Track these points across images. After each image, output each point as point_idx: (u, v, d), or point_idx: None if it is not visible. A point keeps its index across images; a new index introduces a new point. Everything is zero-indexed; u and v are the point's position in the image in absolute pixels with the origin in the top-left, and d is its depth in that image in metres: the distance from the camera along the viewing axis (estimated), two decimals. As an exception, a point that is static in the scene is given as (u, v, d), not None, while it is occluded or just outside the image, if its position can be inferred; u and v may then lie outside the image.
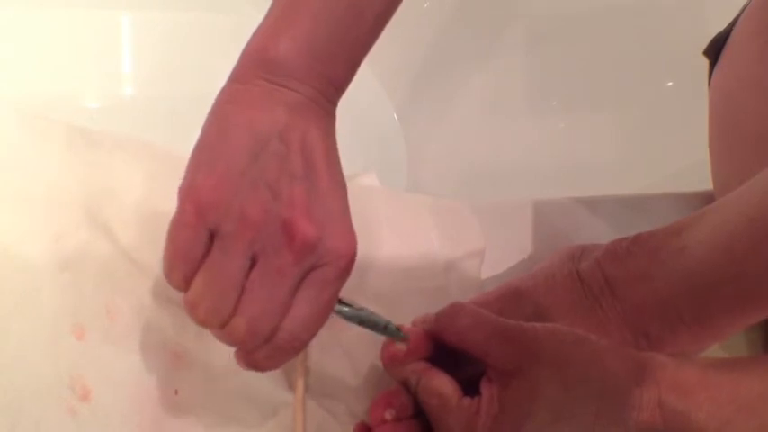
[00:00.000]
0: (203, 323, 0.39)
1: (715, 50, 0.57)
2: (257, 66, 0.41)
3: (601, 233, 0.51)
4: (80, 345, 0.46)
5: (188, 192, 0.39)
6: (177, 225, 0.40)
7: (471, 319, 0.42)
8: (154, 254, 0.49)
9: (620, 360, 0.41)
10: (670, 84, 0.84)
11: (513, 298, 0.49)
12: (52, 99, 0.79)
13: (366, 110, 0.81)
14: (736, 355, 0.53)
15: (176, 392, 0.46)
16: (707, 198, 0.57)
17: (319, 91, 0.41)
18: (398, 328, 0.44)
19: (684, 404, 0.40)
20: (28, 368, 0.44)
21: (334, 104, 0.43)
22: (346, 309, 0.43)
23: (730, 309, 0.45)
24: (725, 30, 0.57)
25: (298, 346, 0.40)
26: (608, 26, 0.84)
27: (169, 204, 0.50)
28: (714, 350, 0.49)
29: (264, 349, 0.40)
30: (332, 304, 0.41)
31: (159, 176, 0.51)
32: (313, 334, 0.41)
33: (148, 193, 0.50)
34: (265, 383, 0.47)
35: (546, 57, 0.86)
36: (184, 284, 0.40)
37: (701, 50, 0.59)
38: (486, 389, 0.41)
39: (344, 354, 0.48)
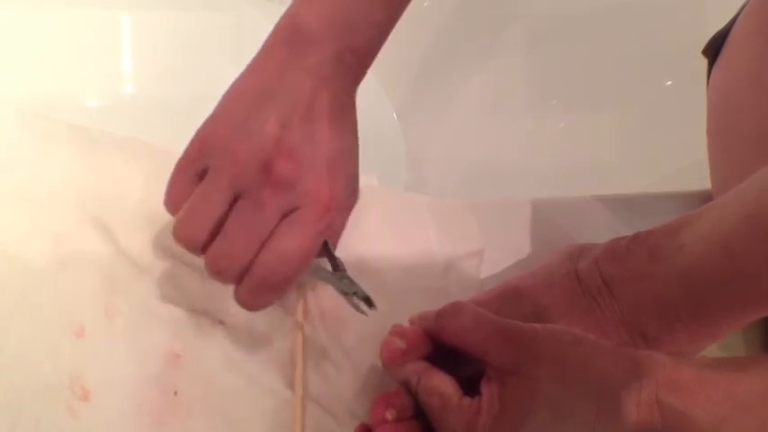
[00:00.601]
0: (183, 245, 0.44)
1: (714, 49, 0.57)
2: (282, 35, 0.47)
3: (600, 232, 0.51)
4: (80, 345, 0.46)
5: (194, 136, 0.45)
6: (178, 162, 0.45)
7: (471, 318, 0.43)
8: (153, 254, 0.49)
9: (619, 359, 0.41)
10: (669, 83, 0.84)
11: (512, 297, 0.49)
12: (52, 98, 0.79)
13: (365, 109, 0.81)
14: (735, 354, 0.53)
15: (175, 393, 0.46)
16: (706, 197, 0.57)
17: (337, 56, 0.46)
18: (368, 299, 0.45)
19: (682, 402, 0.40)
20: (28, 368, 0.45)
21: (355, 70, 0.48)
22: (323, 271, 0.46)
23: (728, 307, 0.45)
24: (724, 29, 0.57)
25: (275, 281, 0.44)
26: (607, 26, 0.84)
27: (168, 205, 0.50)
28: (712, 350, 0.49)
29: (246, 283, 0.44)
30: (310, 246, 0.45)
31: (159, 177, 0.51)
32: (290, 272, 0.44)
33: (148, 193, 0.50)
34: (265, 383, 0.48)
35: (546, 56, 0.86)
36: (175, 212, 0.45)
37: (700, 50, 0.59)
38: (486, 388, 0.41)
39: (344, 354, 0.49)
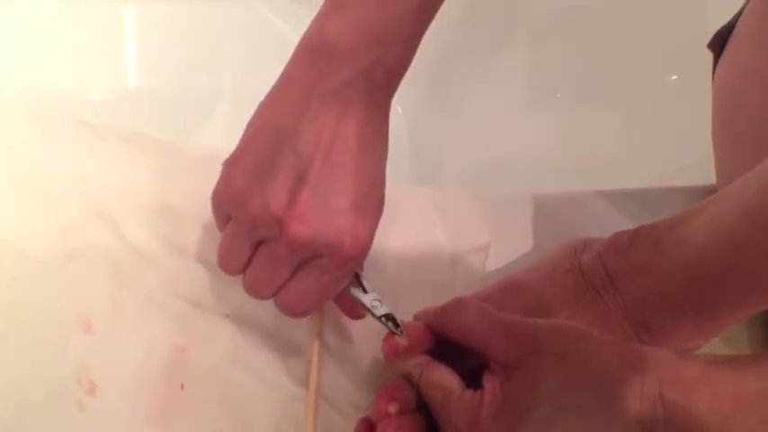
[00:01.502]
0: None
1: (719, 44, 0.57)
2: (304, 56, 0.43)
3: (604, 227, 0.51)
4: (87, 338, 0.46)
5: (220, 176, 0.44)
6: (212, 202, 0.45)
7: (474, 313, 0.43)
8: (160, 247, 0.49)
9: (621, 353, 0.42)
10: (674, 77, 0.83)
11: (515, 291, 0.49)
12: (58, 92, 0.79)
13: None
14: (738, 349, 0.53)
15: (182, 386, 0.47)
16: (710, 192, 0.56)
17: (366, 74, 0.42)
18: (398, 324, 0.45)
19: (686, 398, 0.40)
20: (36, 361, 0.45)
21: (386, 88, 0.44)
22: (354, 291, 0.46)
23: (731, 299, 0.45)
24: (729, 23, 0.57)
25: (295, 313, 0.45)
26: (613, 20, 0.84)
27: (174, 198, 0.50)
28: (715, 343, 0.49)
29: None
30: (334, 286, 0.45)
31: (165, 171, 0.51)
32: (310, 307, 0.45)
33: (154, 187, 0.51)
34: (271, 376, 0.48)
35: (551, 51, 0.85)
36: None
37: (706, 44, 0.59)
38: (488, 382, 0.41)
39: (352, 350, 0.49)
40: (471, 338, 0.42)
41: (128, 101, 0.83)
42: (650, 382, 0.40)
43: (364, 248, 0.44)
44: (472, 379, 0.42)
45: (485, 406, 0.40)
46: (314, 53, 0.43)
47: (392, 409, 0.43)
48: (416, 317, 0.45)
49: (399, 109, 0.83)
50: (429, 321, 0.44)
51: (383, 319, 0.45)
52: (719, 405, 0.40)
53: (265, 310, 0.48)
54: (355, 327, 0.49)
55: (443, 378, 0.42)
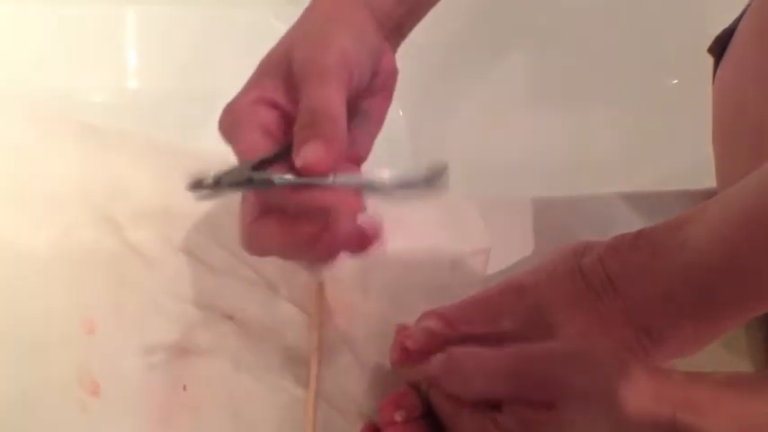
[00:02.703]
0: None
1: (720, 48, 0.57)
2: None
3: (605, 230, 0.52)
4: (89, 339, 0.46)
5: None
6: None
7: (473, 365, 0.42)
8: (162, 249, 0.49)
9: (635, 377, 0.42)
10: (675, 81, 0.84)
11: (515, 293, 0.49)
12: (59, 94, 0.79)
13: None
14: (737, 353, 0.53)
15: (184, 388, 0.47)
16: (711, 195, 0.56)
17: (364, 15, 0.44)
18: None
19: (698, 421, 0.40)
20: (39, 362, 0.45)
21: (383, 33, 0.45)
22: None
23: (732, 302, 0.45)
24: (729, 27, 0.57)
25: None
26: (613, 24, 0.84)
27: (176, 199, 0.50)
28: (715, 349, 0.49)
29: None
30: None
31: (167, 173, 0.51)
32: None
33: (156, 188, 0.51)
34: (274, 379, 0.48)
35: (551, 54, 0.86)
36: None
37: (706, 48, 0.59)
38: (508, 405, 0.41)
39: (352, 352, 0.49)
40: (473, 392, 0.42)
41: (128, 102, 0.83)
42: (665, 408, 0.40)
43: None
44: None
45: (501, 428, 0.40)
46: None
47: (398, 417, 0.43)
48: (423, 316, 0.45)
49: (400, 111, 0.83)
50: (425, 373, 0.43)
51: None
52: (730, 427, 0.40)
53: (267, 312, 0.48)
54: (356, 327, 0.49)
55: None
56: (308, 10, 0.45)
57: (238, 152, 0.41)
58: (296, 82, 0.41)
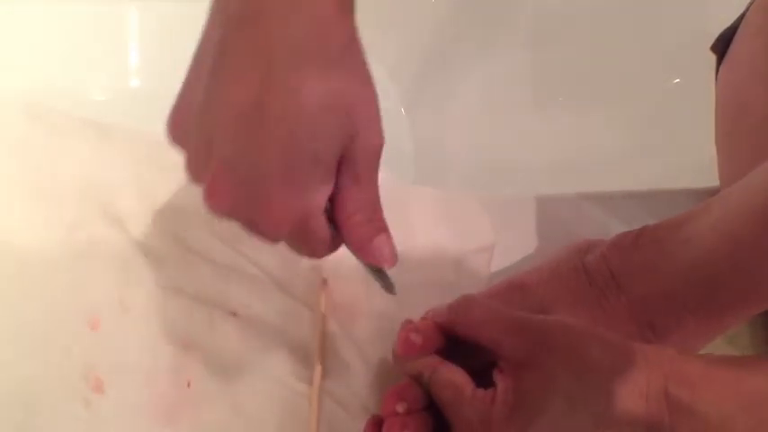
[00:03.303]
0: None
1: (722, 46, 0.58)
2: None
3: (607, 228, 0.52)
4: (94, 335, 0.46)
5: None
6: None
7: (483, 311, 0.43)
8: (166, 245, 0.49)
9: (628, 351, 0.42)
10: (677, 80, 0.84)
11: (519, 291, 0.49)
12: (59, 91, 0.79)
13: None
14: (741, 349, 0.53)
15: (189, 384, 0.47)
16: (714, 194, 0.57)
17: None
18: (390, 282, 0.43)
19: (689, 396, 0.40)
20: (43, 359, 0.45)
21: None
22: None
23: (735, 298, 0.45)
24: (732, 25, 0.57)
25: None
26: (615, 22, 0.84)
27: (179, 196, 0.50)
28: (719, 344, 0.49)
29: None
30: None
31: (170, 169, 0.51)
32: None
33: (160, 185, 0.51)
34: (278, 375, 0.48)
35: (554, 53, 0.85)
36: None
37: (708, 47, 0.59)
38: (500, 380, 0.41)
39: (356, 348, 0.49)
40: (481, 336, 0.43)
41: (130, 100, 0.83)
42: (656, 379, 0.41)
43: (286, 224, 0.37)
44: (479, 378, 0.43)
45: (497, 404, 0.40)
46: None
47: (400, 408, 0.43)
48: (426, 316, 0.46)
49: (402, 110, 0.83)
50: (438, 320, 0.45)
51: (376, 273, 0.42)
52: (723, 405, 0.40)
53: (271, 308, 0.48)
54: (360, 324, 0.50)
55: (454, 376, 0.42)
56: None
57: (309, 249, 0.40)
58: (343, 165, 0.37)
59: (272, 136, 0.34)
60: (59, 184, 0.50)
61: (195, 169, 0.37)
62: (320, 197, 0.37)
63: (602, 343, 0.42)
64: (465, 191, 0.58)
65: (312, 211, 0.37)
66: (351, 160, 0.37)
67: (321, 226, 0.38)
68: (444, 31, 0.86)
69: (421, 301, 0.47)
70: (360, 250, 0.40)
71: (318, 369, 0.47)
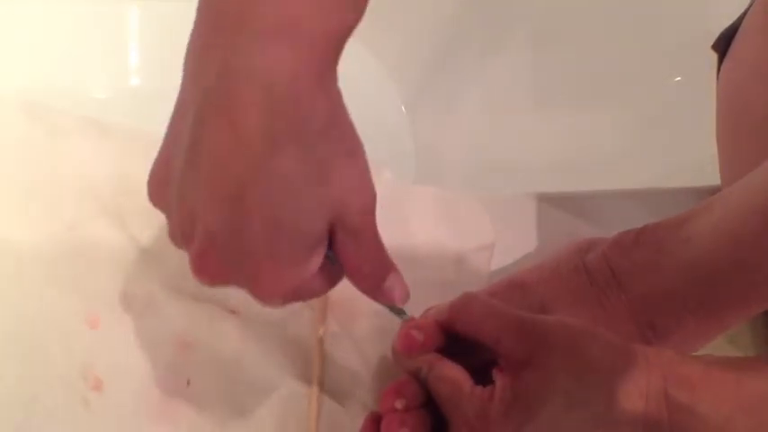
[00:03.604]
0: None
1: (724, 45, 0.57)
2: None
3: (608, 227, 0.52)
4: (93, 334, 0.46)
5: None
6: None
7: (484, 309, 0.43)
8: (166, 244, 0.49)
9: (628, 352, 0.42)
10: (678, 78, 0.84)
11: (518, 289, 0.49)
12: (59, 90, 0.79)
13: (373, 101, 0.81)
14: (742, 350, 0.53)
15: (188, 383, 0.47)
16: (715, 192, 0.57)
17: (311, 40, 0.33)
18: (404, 311, 0.44)
19: (689, 398, 0.40)
20: (42, 357, 0.45)
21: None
22: None
23: (736, 297, 0.45)
24: (733, 24, 0.57)
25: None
26: (616, 21, 0.84)
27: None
28: (720, 345, 0.49)
29: None
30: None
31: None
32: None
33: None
34: (277, 374, 0.48)
35: (554, 51, 0.85)
36: None
37: (710, 45, 0.59)
38: (499, 377, 0.41)
39: (356, 346, 0.49)
40: (482, 333, 0.42)
41: (131, 99, 0.83)
42: (655, 380, 0.40)
43: (279, 295, 0.37)
44: (478, 376, 0.43)
45: (495, 401, 0.40)
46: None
47: (399, 404, 0.43)
48: (426, 314, 0.46)
49: (403, 108, 0.83)
50: (438, 317, 0.45)
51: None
52: (721, 405, 0.40)
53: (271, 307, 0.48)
54: (359, 323, 0.49)
55: (453, 373, 0.42)
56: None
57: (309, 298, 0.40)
58: (337, 226, 0.37)
59: (256, 216, 0.34)
60: (59, 182, 0.50)
61: (178, 238, 0.38)
62: (311, 266, 0.37)
63: (603, 343, 0.42)
64: (465, 190, 0.58)
65: (304, 279, 0.37)
66: (345, 222, 0.37)
67: (317, 284, 0.39)
68: (445, 30, 0.86)
69: (421, 300, 0.47)
70: (371, 295, 0.41)
71: (318, 368, 0.47)
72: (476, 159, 0.82)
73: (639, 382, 0.41)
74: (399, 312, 0.44)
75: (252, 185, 0.33)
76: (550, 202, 0.58)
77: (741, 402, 0.40)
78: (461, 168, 0.82)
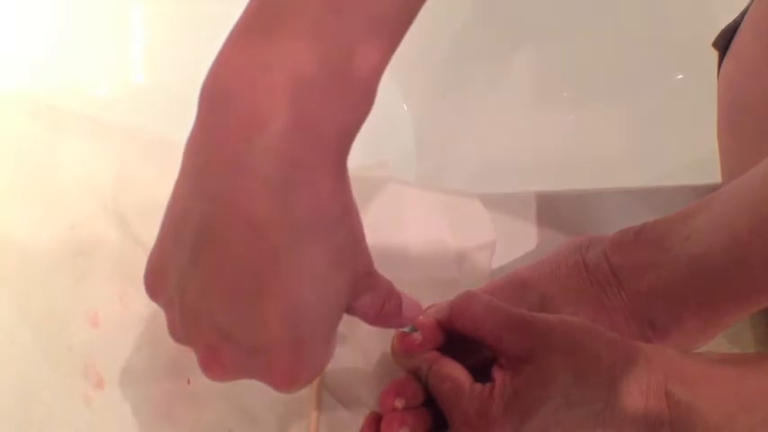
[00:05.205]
0: None
1: (724, 42, 0.57)
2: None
3: (610, 225, 0.52)
4: (94, 332, 0.46)
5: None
6: None
7: (484, 307, 0.43)
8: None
9: (628, 350, 0.42)
10: (680, 76, 0.84)
11: (519, 287, 0.49)
12: (63, 89, 0.79)
13: (375, 100, 0.81)
14: (743, 348, 0.53)
15: (188, 381, 0.47)
16: (715, 190, 0.57)
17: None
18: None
19: (690, 395, 0.40)
20: (44, 355, 0.45)
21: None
22: None
23: (736, 295, 0.45)
24: (734, 21, 0.57)
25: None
26: (618, 19, 0.84)
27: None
28: (721, 343, 0.49)
29: None
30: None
31: (173, 167, 0.51)
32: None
33: (161, 183, 0.51)
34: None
35: (556, 50, 0.85)
36: None
37: (711, 42, 0.59)
38: (498, 375, 0.41)
39: (357, 346, 0.49)
40: (481, 331, 0.43)
41: (134, 98, 0.83)
42: (656, 378, 0.41)
43: (301, 381, 0.36)
44: (479, 375, 0.43)
45: (495, 398, 0.40)
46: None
47: (399, 404, 0.43)
48: (426, 313, 0.46)
49: (405, 106, 0.83)
50: (439, 316, 0.45)
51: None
52: (723, 403, 0.40)
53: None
54: (360, 322, 0.49)
55: (453, 370, 0.43)
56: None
57: None
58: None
59: (277, 309, 0.33)
60: (60, 181, 0.50)
61: (179, 333, 0.37)
62: (332, 348, 0.37)
63: (603, 341, 0.42)
64: (467, 188, 0.58)
65: (327, 362, 0.37)
66: (358, 287, 0.37)
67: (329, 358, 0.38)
68: (446, 29, 0.86)
69: (422, 299, 0.47)
70: (391, 326, 0.42)
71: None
72: (477, 159, 0.82)
73: (640, 379, 0.41)
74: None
75: (271, 279, 0.32)
76: (551, 200, 0.58)
77: (742, 399, 0.41)
78: (463, 168, 0.82)
